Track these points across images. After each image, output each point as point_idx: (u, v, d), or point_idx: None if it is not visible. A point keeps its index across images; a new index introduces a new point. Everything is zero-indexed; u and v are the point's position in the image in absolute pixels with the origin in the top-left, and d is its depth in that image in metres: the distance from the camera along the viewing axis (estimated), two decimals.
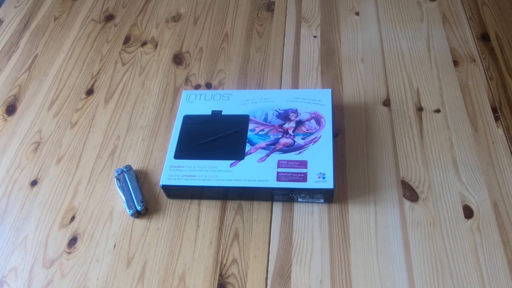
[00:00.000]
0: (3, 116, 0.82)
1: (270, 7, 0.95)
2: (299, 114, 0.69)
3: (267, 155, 0.65)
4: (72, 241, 0.65)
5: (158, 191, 0.69)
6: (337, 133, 0.73)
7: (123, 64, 0.87)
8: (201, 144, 0.68)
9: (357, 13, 0.91)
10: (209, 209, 0.66)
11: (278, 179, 0.63)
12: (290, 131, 0.67)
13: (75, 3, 1.02)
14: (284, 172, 0.63)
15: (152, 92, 0.82)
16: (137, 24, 0.95)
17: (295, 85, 0.80)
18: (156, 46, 0.90)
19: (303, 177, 0.62)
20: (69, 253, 0.64)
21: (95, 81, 0.85)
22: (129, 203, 0.66)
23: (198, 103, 0.73)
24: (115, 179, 0.69)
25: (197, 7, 0.97)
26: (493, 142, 0.69)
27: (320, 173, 0.63)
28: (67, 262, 0.63)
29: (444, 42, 0.84)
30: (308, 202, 0.65)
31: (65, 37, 0.95)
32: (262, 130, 0.68)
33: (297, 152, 0.65)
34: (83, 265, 0.62)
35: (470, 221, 0.62)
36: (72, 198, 0.69)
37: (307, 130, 0.67)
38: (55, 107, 0.82)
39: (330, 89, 0.72)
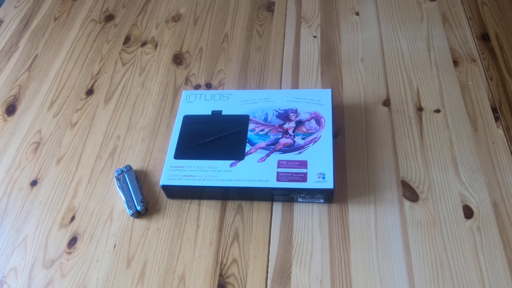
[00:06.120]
0: (3, 116, 0.82)
1: (270, 7, 0.95)
2: (299, 114, 0.69)
3: (267, 155, 0.65)
4: (72, 241, 0.65)
5: (158, 191, 0.69)
6: (337, 133, 0.73)
7: (123, 64, 0.88)
8: (201, 144, 0.68)
9: (357, 13, 0.91)
10: (209, 209, 0.66)
11: (278, 179, 0.63)
12: (290, 131, 0.67)
13: (75, 3, 1.02)
14: (284, 172, 0.63)
15: (152, 92, 0.82)
16: (137, 24, 0.95)
17: (295, 85, 0.80)
18: (156, 46, 0.90)
19: (303, 177, 0.62)
20: (69, 253, 0.64)
21: (95, 81, 0.85)
22: (129, 203, 0.66)
23: (198, 103, 0.73)
24: (115, 179, 0.69)
25: (197, 7, 0.97)
26: (493, 142, 0.69)
27: (320, 173, 0.63)
28: (67, 262, 0.63)
29: (444, 42, 0.84)
30: (308, 202, 0.65)
31: (65, 37, 0.95)
32: (262, 130, 0.68)
33: (297, 152, 0.65)
34: (83, 265, 0.62)
35: (470, 221, 0.62)
36: (72, 198, 0.69)
37: (307, 130, 0.67)
38: (55, 107, 0.82)
39: (330, 89, 0.72)
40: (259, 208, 0.66)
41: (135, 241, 0.64)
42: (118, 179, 0.69)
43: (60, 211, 0.68)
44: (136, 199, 0.66)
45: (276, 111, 0.70)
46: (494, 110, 0.73)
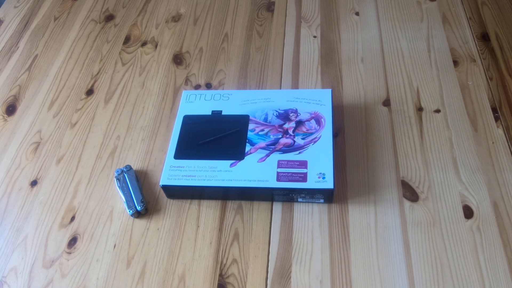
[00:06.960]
0: (3, 116, 0.82)
1: (270, 7, 0.95)
2: (299, 114, 0.69)
3: (267, 155, 0.65)
4: (72, 241, 0.65)
5: (158, 191, 0.69)
6: (337, 133, 0.73)
7: (123, 64, 0.88)
8: (201, 144, 0.68)
9: (357, 13, 0.91)
10: (209, 209, 0.66)
11: (278, 179, 0.63)
12: (290, 131, 0.67)
13: (75, 3, 1.02)
14: (284, 172, 0.63)
15: (152, 92, 0.82)
16: (137, 24, 0.95)
17: (295, 85, 0.80)
18: (156, 46, 0.90)
19: (303, 177, 0.62)
20: (69, 253, 0.64)
21: (95, 81, 0.85)
22: (129, 203, 0.66)
23: (198, 103, 0.73)
24: (115, 179, 0.69)
25: (197, 7, 0.97)
26: (493, 142, 0.69)
27: (320, 173, 0.63)
28: (67, 262, 0.63)
29: (444, 42, 0.84)
30: (308, 202, 0.65)
31: (65, 37, 0.95)
32: (262, 130, 0.68)
33: (297, 152, 0.65)
34: (83, 265, 0.62)
35: (470, 221, 0.62)
36: (72, 198, 0.69)
37: (307, 130, 0.67)
38: (55, 107, 0.82)
39: (330, 89, 0.72)
40: (259, 208, 0.66)
41: (135, 241, 0.64)
42: (118, 179, 0.69)
43: (60, 211, 0.68)
44: (136, 199, 0.66)
45: (276, 111, 0.70)
46: (494, 110, 0.73)
